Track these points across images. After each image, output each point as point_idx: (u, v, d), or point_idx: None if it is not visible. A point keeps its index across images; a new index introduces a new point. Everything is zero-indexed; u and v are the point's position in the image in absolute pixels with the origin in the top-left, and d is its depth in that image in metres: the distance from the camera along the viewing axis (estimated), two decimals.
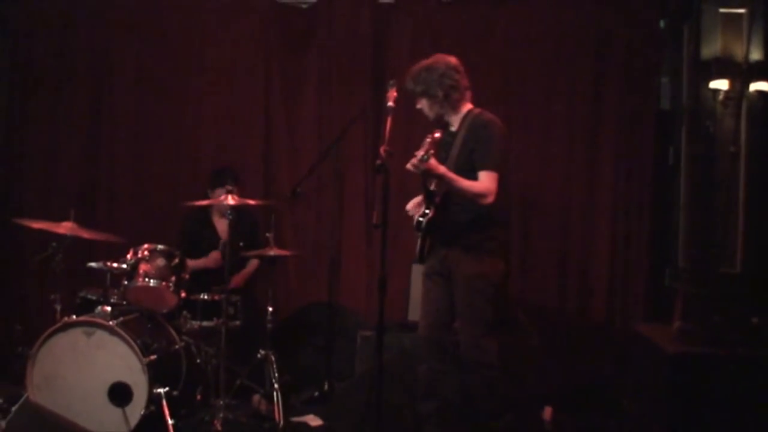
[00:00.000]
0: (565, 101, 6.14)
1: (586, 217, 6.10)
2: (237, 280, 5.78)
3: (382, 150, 3.84)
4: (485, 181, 4.20)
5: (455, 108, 4.41)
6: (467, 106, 4.44)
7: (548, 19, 6.14)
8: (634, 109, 6.05)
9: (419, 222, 4.26)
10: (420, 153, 3.94)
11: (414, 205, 4.47)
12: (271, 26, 6.44)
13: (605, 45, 6.09)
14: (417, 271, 5.29)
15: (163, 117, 6.50)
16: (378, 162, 3.85)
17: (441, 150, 4.35)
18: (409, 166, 4.01)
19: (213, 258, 5.76)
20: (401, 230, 5.42)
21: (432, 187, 4.27)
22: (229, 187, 5.29)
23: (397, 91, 4.18)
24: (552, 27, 6.14)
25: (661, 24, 6.10)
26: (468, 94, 4.45)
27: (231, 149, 6.43)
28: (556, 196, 6.14)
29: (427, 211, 4.24)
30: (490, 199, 4.20)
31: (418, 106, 4.44)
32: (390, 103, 4.10)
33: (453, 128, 4.43)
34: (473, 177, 4.21)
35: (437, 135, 4.15)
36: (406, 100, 4.51)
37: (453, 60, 4.42)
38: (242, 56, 6.48)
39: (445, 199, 4.29)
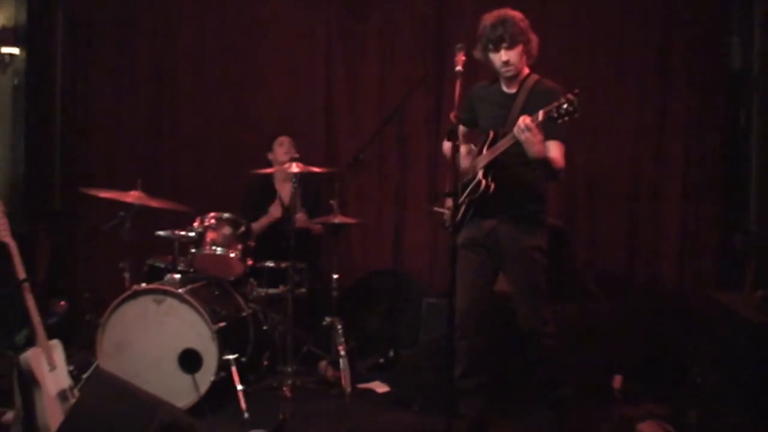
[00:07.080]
0: (633, 62, 5.97)
1: (655, 181, 5.94)
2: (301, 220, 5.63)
3: (452, 116, 3.71)
4: (558, 154, 4.04)
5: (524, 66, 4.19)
6: (526, 69, 4.22)
7: None
8: (703, 69, 5.86)
9: (481, 194, 4.05)
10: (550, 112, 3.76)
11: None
12: None
13: (673, 4, 5.90)
14: None
15: (225, 85, 6.54)
16: (449, 128, 3.71)
17: (492, 108, 4.22)
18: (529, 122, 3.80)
19: (272, 214, 5.74)
20: None
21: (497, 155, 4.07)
22: (289, 149, 5.38)
23: (465, 55, 3.95)
24: None
25: None
26: None
27: (293, 117, 6.41)
28: (624, 160, 5.98)
29: (491, 184, 4.06)
30: (562, 174, 4.10)
31: (505, 57, 4.06)
32: (459, 68, 3.85)
33: (508, 90, 4.20)
34: None
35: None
36: (473, 64, 4.34)
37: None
38: (303, 21, 6.46)
39: (497, 168, 4.10)
